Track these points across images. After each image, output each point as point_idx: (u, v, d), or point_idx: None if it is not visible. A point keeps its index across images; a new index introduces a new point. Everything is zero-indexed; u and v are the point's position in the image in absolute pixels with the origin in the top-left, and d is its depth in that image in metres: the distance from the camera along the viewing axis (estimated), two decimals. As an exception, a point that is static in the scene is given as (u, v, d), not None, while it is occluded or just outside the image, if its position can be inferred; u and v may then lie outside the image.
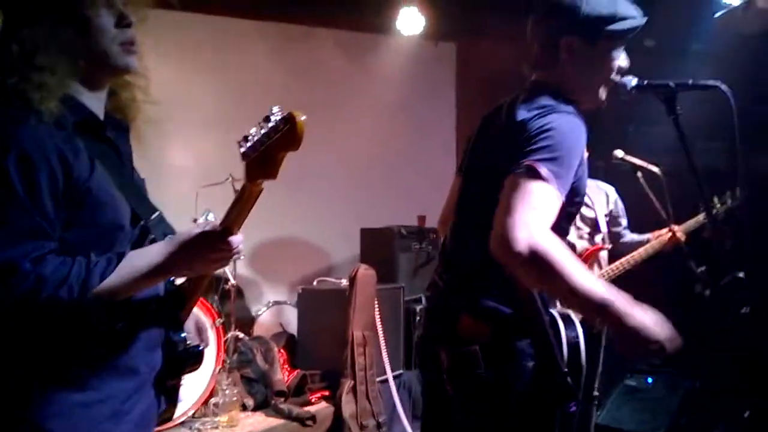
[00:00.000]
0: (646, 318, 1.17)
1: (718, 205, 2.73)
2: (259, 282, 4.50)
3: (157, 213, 1.19)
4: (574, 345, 1.39)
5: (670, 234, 2.74)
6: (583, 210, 2.90)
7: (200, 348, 1.27)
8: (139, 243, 1.14)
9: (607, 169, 3.31)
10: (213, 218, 3.38)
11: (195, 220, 3.41)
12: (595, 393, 2.92)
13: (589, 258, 2.87)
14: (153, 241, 1.17)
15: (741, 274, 1.39)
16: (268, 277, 4.52)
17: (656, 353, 1.17)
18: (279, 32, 4.47)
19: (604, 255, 2.95)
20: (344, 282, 3.51)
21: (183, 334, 1.25)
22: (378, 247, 4.09)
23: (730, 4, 4.02)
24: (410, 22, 4.24)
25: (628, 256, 2.78)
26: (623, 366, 3.95)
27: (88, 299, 1.00)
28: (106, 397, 1.09)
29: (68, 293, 0.98)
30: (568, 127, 1.30)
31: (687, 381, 3.79)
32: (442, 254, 1.60)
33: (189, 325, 1.34)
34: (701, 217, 2.71)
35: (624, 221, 3.03)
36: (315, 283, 3.83)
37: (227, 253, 1.09)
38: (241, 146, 1.00)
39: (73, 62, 1.08)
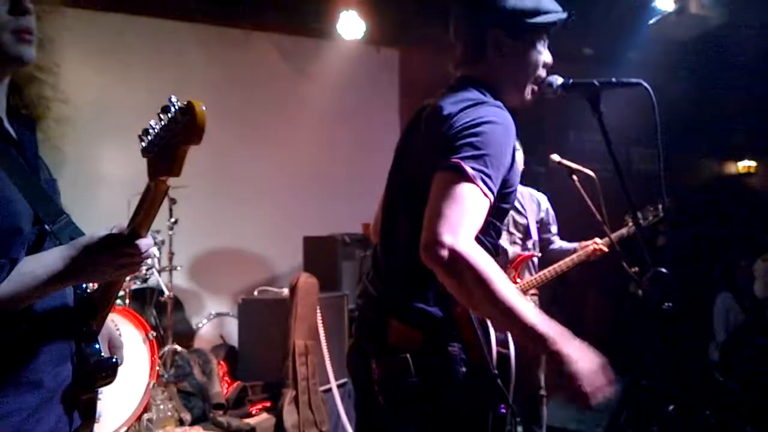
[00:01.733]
0: (582, 364, 1.12)
1: (642, 222, 2.85)
2: (200, 294, 4.37)
3: (63, 216, 1.10)
4: (502, 343, 1.38)
5: (594, 246, 2.88)
6: (516, 216, 2.98)
7: (114, 360, 1.17)
8: (36, 247, 1.05)
9: (548, 175, 3.39)
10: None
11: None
12: (542, 392, 2.97)
13: (520, 264, 2.94)
14: (57, 245, 1.08)
15: (663, 270, 1.41)
16: (210, 288, 4.39)
17: (583, 402, 1.11)
18: (216, 36, 4.38)
19: (534, 261, 3.03)
20: (285, 291, 3.44)
21: (97, 346, 1.16)
22: (321, 255, 4.05)
23: (664, 11, 4.20)
24: (351, 26, 4.24)
25: (555, 266, 2.90)
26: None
27: None
28: (6, 413, 1.00)
29: None
30: (497, 121, 1.28)
31: (625, 378, 3.91)
32: (373, 261, 1.56)
33: (102, 343, 1.25)
34: (625, 231, 2.86)
35: (554, 228, 3.14)
36: (256, 293, 3.74)
37: (135, 258, 1.01)
38: (141, 141, 0.92)
39: None
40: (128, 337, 2.75)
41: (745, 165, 6.31)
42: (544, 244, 3.07)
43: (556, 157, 2.96)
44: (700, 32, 4.32)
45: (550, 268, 2.91)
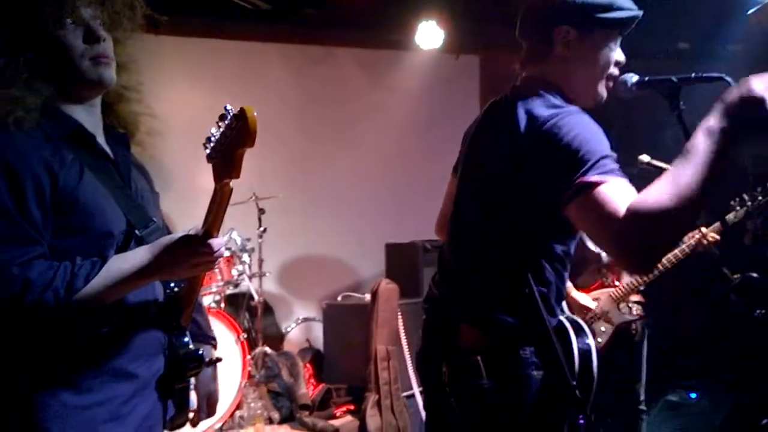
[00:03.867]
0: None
1: (749, 203, 2.64)
2: (288, 299, 4.55)
3: (152, 223, 1.22)
4: (585, 353, 1.34)
5: (699, 235, 2.63)
6: None
7: (201, 352, 1.28)
8: (122, 249, 1.17)
9: (639, 176, 3.23)
10: (237, 236, 3.44)
11: (221, 238, 3.49)
12: (642, 407, 2.83)
13: (617, 268, 2.81)
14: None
15: (754, 275, 1.32)
16: (297, 293, 4.56)
17: None
18: (299, 53, 4.57)
19: None
20: (367, 297, 3.51)
21: (185, 339, 1.27)
22: (403, 261, 4.09)
23: (762, 0, 3.90)
24: (429, 36, 4.26)
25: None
26: (665, 379, 3.81)
27: (73, 302, 1.03)
28: (104, 400, 1.11)
29: (54, 296, 1.01)
30: (581, 124, 1.23)
31: (731, 396, 3.61)
32: (440, 262, 1.54)
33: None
34: (732, 215, 2.64)
35: None
36: (339, 298, 3.85)
37: (208, 257, 1.10)
38: (205, 148, 1.00)
39: (47, 82, 1.12)
40: (222, 338, 2.94)
41: None
42: None
43: (645, 157, 2.81)
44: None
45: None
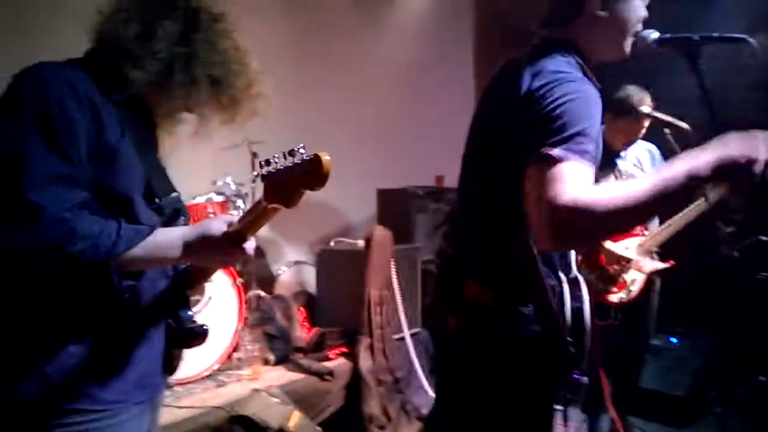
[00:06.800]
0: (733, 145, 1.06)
1: None
2: (279, 242, 4.57)
3: (175, 194, 1.24)
4: (577, 312, 1.36)
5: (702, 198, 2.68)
6: (634, 171, 2.87)
7: (205, 328, 1.29)
8: (168, 223, 1.19)
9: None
10: (230, 181, 3.41)
11: (214, 182, 3.46)
12: (653, 341, 2.94)
13: None
14: (185, 224, 1.23)
15: (764, 237, 1.35)
16: (288, 237, 4.58)
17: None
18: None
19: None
20: (361, 243, 3.54)
21: (190, 313, 1.28)
22: (395, 207, 4.11)
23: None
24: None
25: (680, 214, 2.72)
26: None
27: (108, 264, 1.03)
28: (106, 355, 1.13)
29: (93, 253, 1.01)
30: (579, 97, 1.22)
31: (711, 341, 3.77)
32: (451, 219, 1.58)
33: None
34: None
35: None
36: (332, 243, 3.87)
37: (239, 257, 1.14)
38: (261, 167, 1.05)
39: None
40: (219, 282, 2.95)
41: None
42: None
43: (646, 108, 2.79)
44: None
45: (677, 217, 2.73)
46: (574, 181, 1.12)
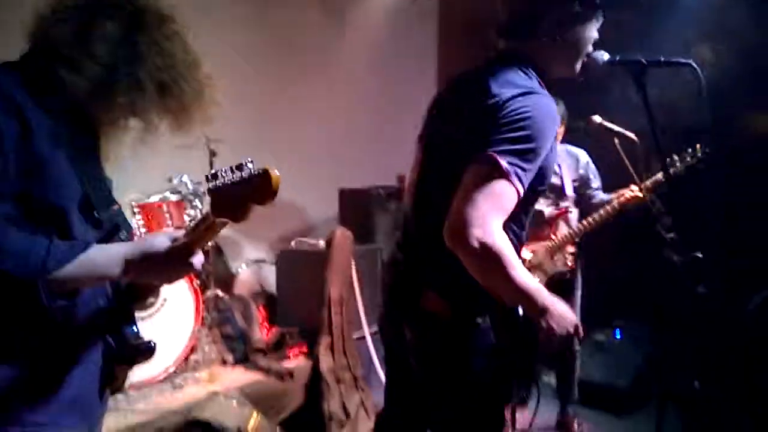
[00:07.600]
0: (555, 314, 1.28)
1: (678, 163, 2.73)
2: (239, 240, 4.52)
3: (115, 206, 1.18)
4: (528, 321, 1.40)
5: (630, 192, 2.82)
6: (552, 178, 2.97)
7: (152, 344, 1.24)
8: (107, 239, 1.13)
9: (587, 130, 3.31)
10: (187, 180, 3.33)
11: (170, 180, 3.38)
12: (576, 347, 3.07)
13: (554, 222, 2.96)
14: (126, 239, 1.16)
15: (698, 254, 1.44)
16: (248, 235, 4.53)
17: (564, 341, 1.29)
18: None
19: (574, 216, 3.03)
20: (322, 243, 3.55)
21: (135, 329, 1.23)
22: (356, 207, 4.12)
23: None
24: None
25: (589, 217, 2.90)
26: (594, 321, 4.10)
27: (38, 282, 0.98)
28: (35, 376, 1.07)
29: (21, 271, 0.96)
30: (544, 114, 1.29)
31: (653, 335, 3.95)
32: (404, 225, 1.58)
33: None
34: (660, 175, 2.71)
35: (596, 183, 3.09)
36: (293, 243, 3.86)
37: (184, 274, 1.11)
38: (208, 181, 1.02)
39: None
40: (176, 283, 2.92)
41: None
42: (585, 199, 3.05)
43: (597, 118, 2.86)
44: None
45: (584, 220, 2.91)
46: (498, 217, 1.24)
